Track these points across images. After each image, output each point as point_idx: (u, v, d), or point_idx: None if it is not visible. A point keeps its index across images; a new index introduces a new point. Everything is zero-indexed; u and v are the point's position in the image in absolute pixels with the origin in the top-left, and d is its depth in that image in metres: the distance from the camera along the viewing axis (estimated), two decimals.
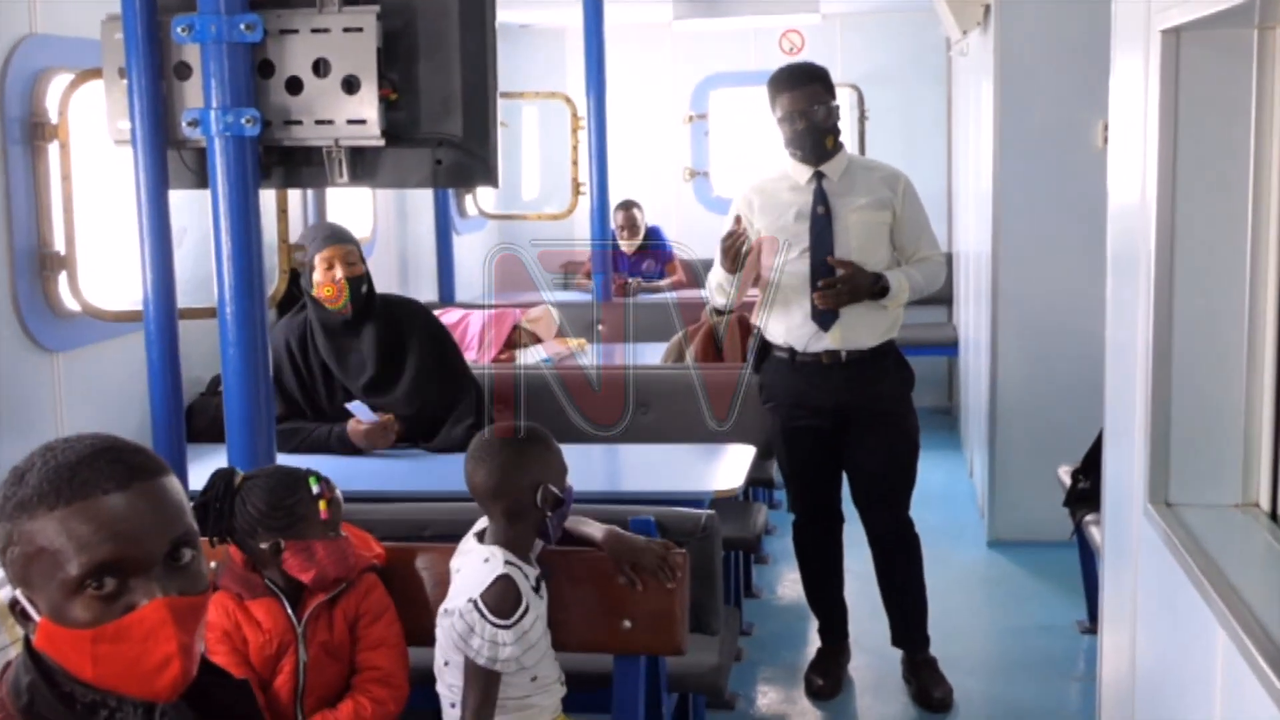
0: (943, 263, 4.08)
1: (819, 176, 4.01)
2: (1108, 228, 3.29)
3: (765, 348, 4.14)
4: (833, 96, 3.99)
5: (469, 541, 2.74)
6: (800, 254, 4.01)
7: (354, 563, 2.69)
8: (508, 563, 2.63)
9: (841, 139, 4.06)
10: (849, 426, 4.08)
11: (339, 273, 4.04)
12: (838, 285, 3.93)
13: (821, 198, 4.00)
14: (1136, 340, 2.85)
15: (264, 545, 2.61)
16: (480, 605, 2.57)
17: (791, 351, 4.06)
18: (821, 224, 3.99)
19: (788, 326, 4.06)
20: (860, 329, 4.01)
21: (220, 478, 2.65)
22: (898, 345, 4.12)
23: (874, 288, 3.95)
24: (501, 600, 2.57)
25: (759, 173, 4.20)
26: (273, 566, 2.63)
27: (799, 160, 4.01)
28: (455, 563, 2.75)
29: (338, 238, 4.12)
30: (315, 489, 2.62)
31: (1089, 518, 4.16)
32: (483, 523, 2.76)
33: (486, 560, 2.63)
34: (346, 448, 3.99)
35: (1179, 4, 2.47)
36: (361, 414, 4.01)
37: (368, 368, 4.07)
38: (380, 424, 4.01)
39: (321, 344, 4.09)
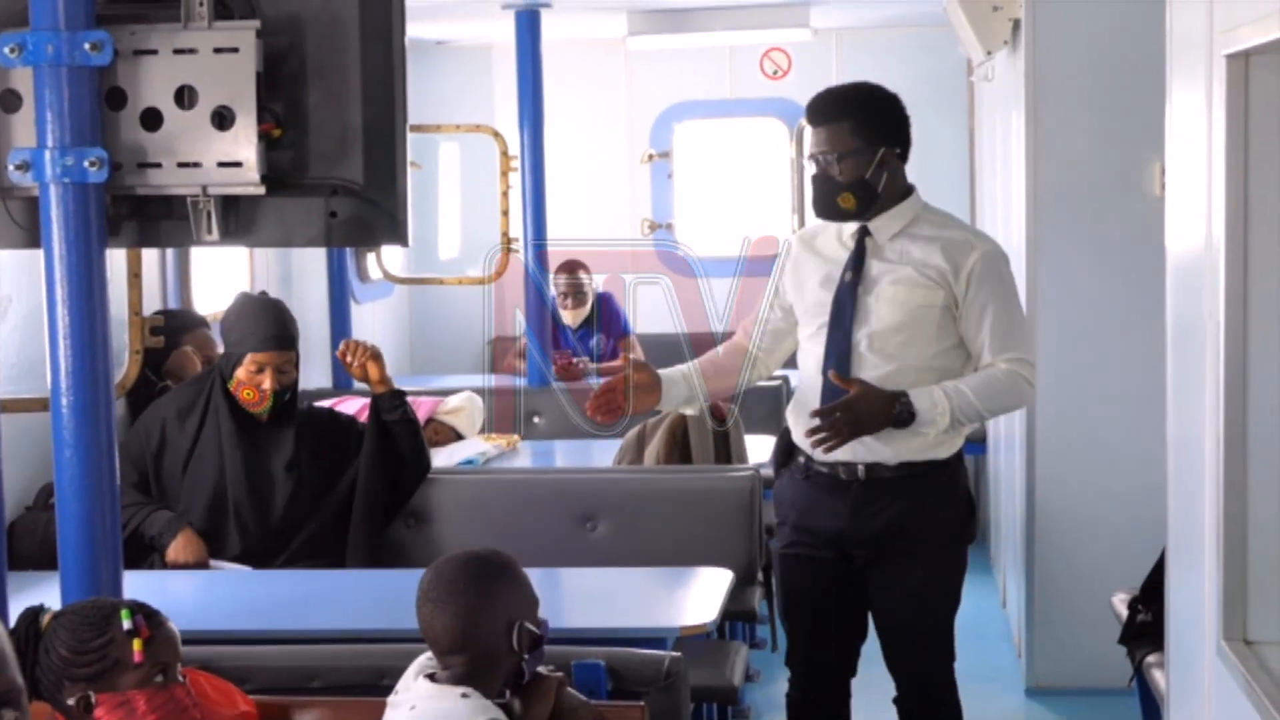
0: (1023, 375, 3.80)
1: (864, 232, 3.88)
2: (1167, 294, 3.34)
3: (789, 450, 4.00)
4: (872, 141, 3.79)
5: (420, 684, 2.75)
6: (819, 329, 3.88)
7: (199, 716, 2.67)
8: (498, 704, 2.69)
9: (910, 184, 3.90)
10: (868, 565, 3.93)
11: (268, 383, 4.38)
12: (836, 414, 3.71)
13: (856, 260, 3.85)
14: (1204, 435, 2.88)
15: (72, 700, 2.58)
16: None
17: (807, 459, 3.93)
18: (846, 294, 3.84)
19: (801, 425, 3.89)
20: (873, 441, 3.79)
21: (24, 619, 2.64)
22: (958, 461, 3.92)
23: (891, 411, 3.71)
24: None
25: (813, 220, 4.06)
26: None
27: (817, 215, 3.94)
28: (398, 699, 2.77)
29: (279, 342, 4.44)
30: (127, 624, 2.59)
31: (1151, 658, 4.17)
32: (426, 660, 2.79)
33: (465, 696, 2.67)
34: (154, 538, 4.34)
35: (1248, 22, 2.53)
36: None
37: (280, 480, 4.43)
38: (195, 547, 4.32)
39: (228, 432, 4.40)
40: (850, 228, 3.90)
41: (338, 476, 4.55)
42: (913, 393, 3.74)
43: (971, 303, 3.81)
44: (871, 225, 3.87)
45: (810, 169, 3.88)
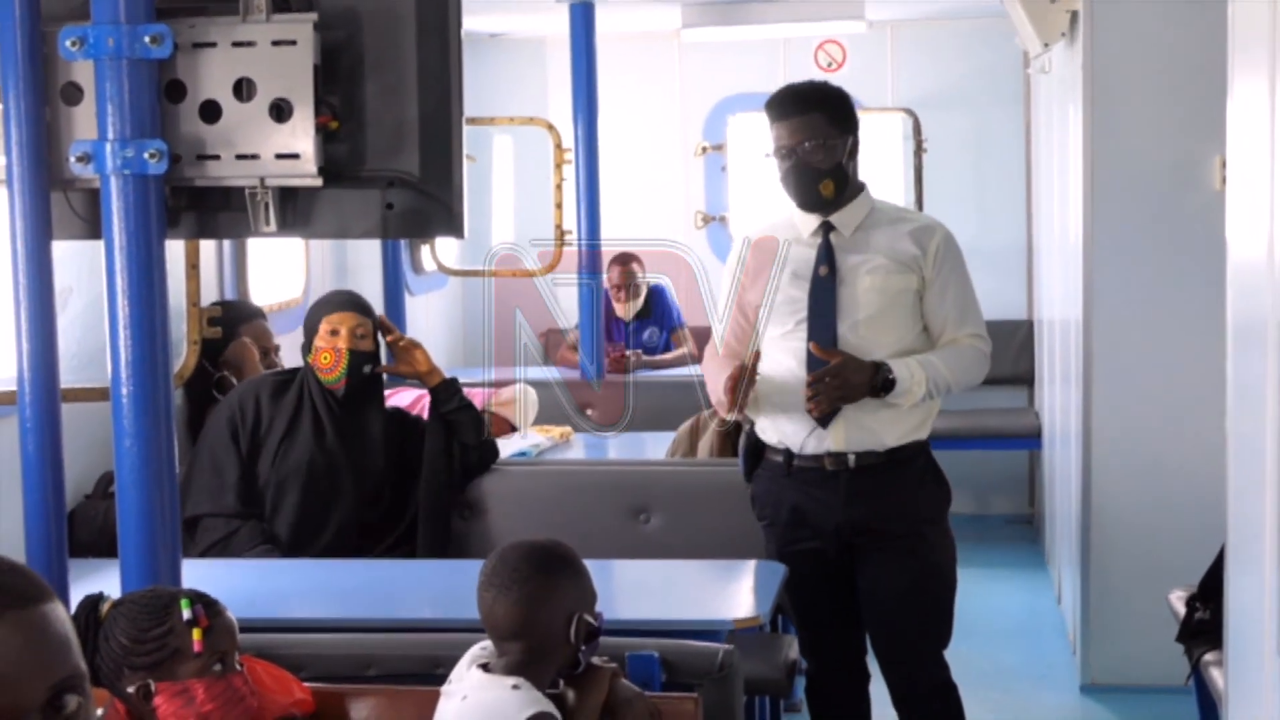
0: (983, 350, 3.98)
1: (827, 228, 3.95)
2: (1227, 289, 3.32)
3: (758, 449, 4.05)
4: (844, 130, 3.92)
5: (473, 674, 2.76)
6: (796, 325, 3.92)
7: (256, 705, 2.69)
8: (550, 694, 2.71)
9: (862, 181, 4.00)
10: (859, 554, 3.99)
11: (343, 342, 4.41)
12: (826, 380, 3.80)
13: (826, 255, 3.93)
14: (1265, 432, 2.86)
15: (131, 689, 2.61)
16: None
17: (787, 454, 3.97)
18: (823, 288, 3.91)
19: (782, 420, 3.96)
20: (872, 424, 3.90)
21: (84, 607, 2.67)
22: (931, 447, 4.01)
23: (874, 381, 3.82)
24: None
25: (762, 218, 4.17)
26: (150, 717, 2.63)
27: (798, 206, 3.99)
28: (451, 689, 2.79)
29: (352, 305, 4.53)
30: (187, 614, 2.62)
31: (1209, 656, 4.15)
32: (479, 650, 2.81)
33: (516, 688, 2.69)
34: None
35: None
36: None
37: (378, 458, 4.50)
38: None
39: (324, 410, 4.44)
40: (806, 224, 3.97)
41: (402, 470, 4.57)
42: (891, 362, 3.85)
43: (936, 282, 3.94)
44: (834, 219, 3.96)
45: (782, 161, 3.92)
